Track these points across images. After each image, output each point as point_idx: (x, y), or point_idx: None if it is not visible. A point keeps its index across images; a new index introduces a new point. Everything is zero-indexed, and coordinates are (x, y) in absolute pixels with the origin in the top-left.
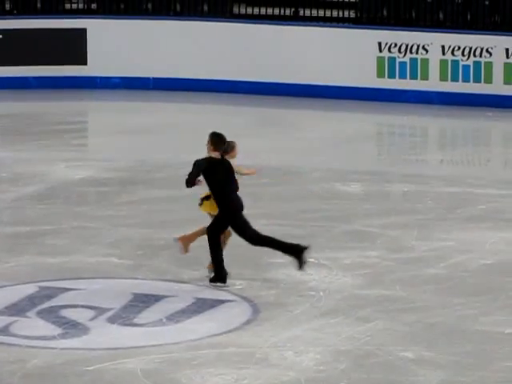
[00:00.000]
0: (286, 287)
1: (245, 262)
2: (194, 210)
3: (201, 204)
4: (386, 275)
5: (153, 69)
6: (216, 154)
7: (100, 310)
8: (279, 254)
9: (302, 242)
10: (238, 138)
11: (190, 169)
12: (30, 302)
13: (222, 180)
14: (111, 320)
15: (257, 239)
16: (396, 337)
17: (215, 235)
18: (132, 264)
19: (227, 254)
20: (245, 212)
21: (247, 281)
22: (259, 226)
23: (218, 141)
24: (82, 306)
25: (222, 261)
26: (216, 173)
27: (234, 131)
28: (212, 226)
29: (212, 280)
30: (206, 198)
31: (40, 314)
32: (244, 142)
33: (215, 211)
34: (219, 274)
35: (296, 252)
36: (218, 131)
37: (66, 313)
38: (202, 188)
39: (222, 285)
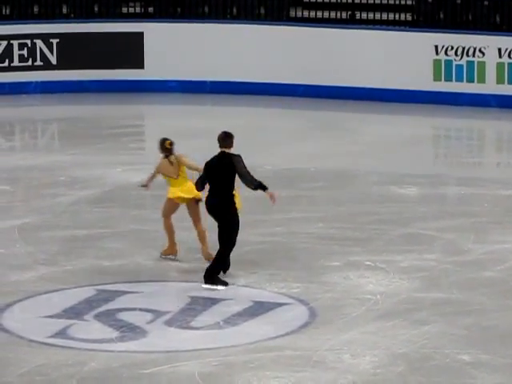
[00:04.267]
0: (342, 290)
1: (301, 266)
2: (251, 213)
3: None
4: (442, 278)
5: (209, 72)
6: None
7: (157, 313)
8: (335, 257)
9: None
10: (294, 142)
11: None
12: (88, 305)
13: None
14: (169, 323)
15: None
16: (452, 340)
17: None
18: (189, 267)
19: (284, 256)
20: (301, 215)
21: (304, 284)
22: (316, 229)
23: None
24: (140, 309)
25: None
26: None
27: (289, 135)
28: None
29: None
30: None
31: (97, 317)
32: (300, 146)
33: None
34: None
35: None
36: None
37: (123, 316)
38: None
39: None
